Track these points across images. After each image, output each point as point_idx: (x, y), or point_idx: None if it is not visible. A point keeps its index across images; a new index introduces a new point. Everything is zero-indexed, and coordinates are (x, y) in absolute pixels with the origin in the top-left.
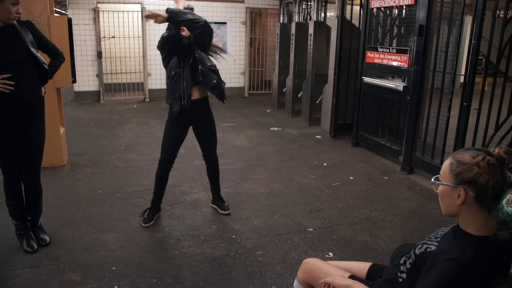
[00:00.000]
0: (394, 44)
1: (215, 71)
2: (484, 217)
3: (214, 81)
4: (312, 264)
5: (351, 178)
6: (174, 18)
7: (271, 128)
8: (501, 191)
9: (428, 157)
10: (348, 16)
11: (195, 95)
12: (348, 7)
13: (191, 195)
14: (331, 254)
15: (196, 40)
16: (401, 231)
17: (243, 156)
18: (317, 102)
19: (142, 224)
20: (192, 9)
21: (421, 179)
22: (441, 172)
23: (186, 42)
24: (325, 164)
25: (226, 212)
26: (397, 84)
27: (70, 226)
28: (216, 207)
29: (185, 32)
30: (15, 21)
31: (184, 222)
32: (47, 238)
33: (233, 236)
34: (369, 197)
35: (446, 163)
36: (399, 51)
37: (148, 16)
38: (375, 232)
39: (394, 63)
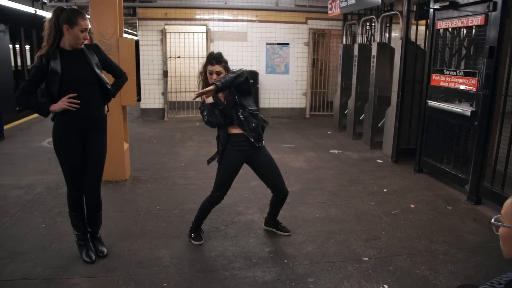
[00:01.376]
0: (461, 67)
1: (255, 115)
2: None
3: (253, 124)
4: None
5: (412, 206)
6: (223, 88)
7: (331, 151)
8: None
9: (497, 187)
10: (413, 37)
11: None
12: (413, 27)
13: (246, 216)
14: (386, 287)
15: (238, 89)
16: (464, 267)
17: (301, 178)
18: (379, 125)
19: (195, 242)
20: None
21: (489, 210)
22: (502, 211)
23: (225, 104)
24: (385, 190)
25: (287, 233)
26: (464, 109)
27: (127, 239)
28: (273, 229)
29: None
30: (83, 45)
31: (237, 243)
32: (105, 250)
33: (285, 261)
34: (431, 228)
35: (509, 202)
36: (467, 74)
37: (199, 95)
38: (436, 266)
39: (462, 87)
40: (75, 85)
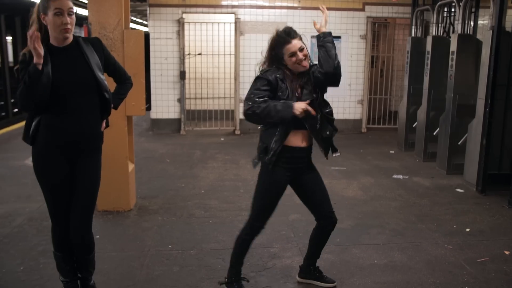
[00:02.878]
0: None
1: (331, 120)
2: None
3: (328, 132)
4: None
5: (507, 253)
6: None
7: (394, 176)
8: None
9: None
10: (508, 26)
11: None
12: (510, 13)
13: (283, 259)
14: None
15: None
16: None
17: (355, 211)
18: (459, 143)
19: None
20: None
21: None
22: None
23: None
24: (467, 229)
25: (333, 284)
26: None
27: None
28: (314, 281)
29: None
30: (80, 38)
31: None
32: None
33: None
34: None
35: None
36: None
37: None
38: None
39: None
40: (67, 91)
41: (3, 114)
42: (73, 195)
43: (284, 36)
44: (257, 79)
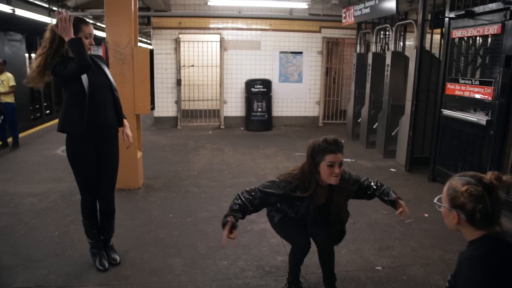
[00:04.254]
0: (477, 76)
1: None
2: (481, 234)
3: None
4: None
5: (426, 215)
6: None
7: (344, 159)
8: (492, 213)
9: None
10: (427, 46)
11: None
12: (428, 36)
13: (259, 224)
14: None
15: None
16: None
17: None
18: (392, 134)
19: None
20: None
21: (504, 220)
22: (442, 193)
23: None
24: None
25: None
26: (479, 118)
27: (140, 248)
28: None
29: None
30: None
31: (249, 252)
32: (118, 258)
33: None
34: (445, 237)
35: (446, 186)
36: (482, 83)
37: None
38: None
39: (477, 96)
40: (95, 90)
41: (38, 115)
42: (99, 174)
43: (333, 146)
44: (277, 184)
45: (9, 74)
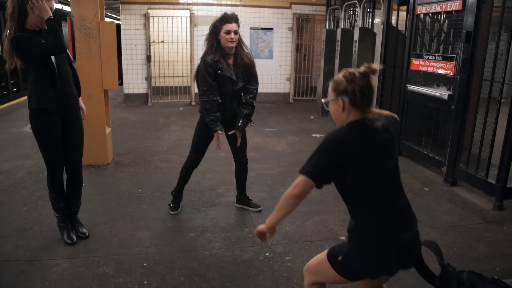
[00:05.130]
0: (440, 51)
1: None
2: (359, 115)
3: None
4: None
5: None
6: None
7: (313, 135)
8: (368, 95)
9: (472, 169)
10: (394, 23)
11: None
12: (395, 13)
13: (227, 197)
14: None
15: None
16: None
17: (282, 161)
18: None
19: (171, 212)
20: None
21: (464, 192)
22: (328, 95)
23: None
24: None
25: (258, 209)
26: (442, 93)
27: (109, 222)
28: (245, 207)
29: None
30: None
31: (217, 224)
32: (86, 231)
33: None
34: None
35: (331, 82)
36: (445, 59)
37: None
38: None
39: (440, 71)
40: (60, 63)
41: (5, 93)
42: (66, 144)
43: (228, 17)
44: (202, 68)
45: None
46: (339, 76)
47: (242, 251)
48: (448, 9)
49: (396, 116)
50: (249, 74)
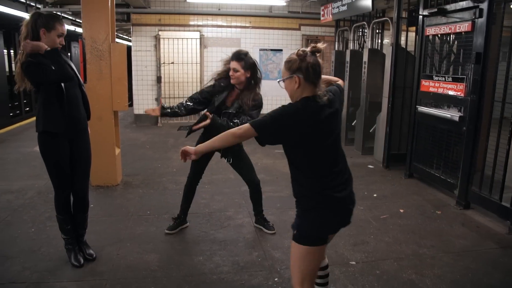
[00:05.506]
0: (450, 72)
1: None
2: (312, 90)
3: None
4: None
5: (402, 211)
6: (215, 125)
7: None
8: (319, 71)
9: (486, 192)
10: (403, 44)
11: None
12: (404, 33)
13: (236, 220)
14: None
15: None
16: (450, 270)
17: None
18: (370, 131)
19: (166, 230)
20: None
21: (477, 215)
22: (281, 75)
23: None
24: (375, 195)
25: (272, 231)
26: (453, 114)
27: (116, 244)
28: (261, 227)
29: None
30: None
31: (225, 247)
32: (93, 253)
33: (273, 265)
34: (419, 232)
35: (282, 67)
36: (455, 80)
37: (196, 128)
38: (422, 270)
39: (450, 92)
40: (69, 86)
41: (17, 112)
42: (73, 167)
43: (232, 54)
44: (209, 84)
45: None
46: (291, 56)
47: (251, 276)
48: (458, 30)
49: (341, 83)
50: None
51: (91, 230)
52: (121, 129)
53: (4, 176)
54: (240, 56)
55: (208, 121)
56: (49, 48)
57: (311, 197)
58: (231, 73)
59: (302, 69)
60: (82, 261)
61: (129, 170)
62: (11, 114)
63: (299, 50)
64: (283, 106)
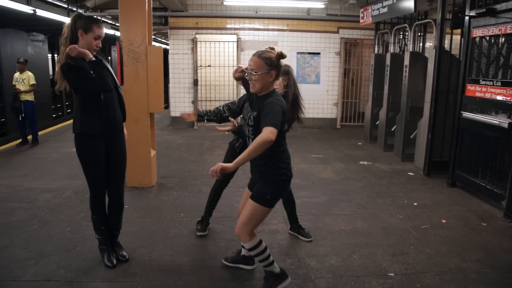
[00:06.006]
0: (499, 76)
1: None
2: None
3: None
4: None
5: (444, 221)
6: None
7: (361, 162)
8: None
9: None
10: (447, 47)
11: None
12: (448, 36)
13: (270, 226)
14: None
15: None
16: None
17: (328, 189)
18: (411, 136)
19: (197, 233)
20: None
21: None
22: (254, 66)
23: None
24: (415, 204)
25: (308, 239)
26: (501, 121)
27: (149, 246)
28: (297, 235)
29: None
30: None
31: None
32: (126, 255)
33: (308, 273)
34: (463, 245)
35: (257, 59)
36: (504, 84)
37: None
38: (466, 286)
39: (499, 97)
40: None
41: (60, 113)
42: (109, 168)
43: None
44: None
45: (29, 73)
46: (269, 53)
47: None
48: (509, 32)
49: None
50: None
51: (124, 231)
52: (158, 131)
53: (44, 175)
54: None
55: (231, 127)
56: (94, 59)
57: (283, 166)
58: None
59: (278, 67)
60: (115, 261)
61: (164, 172)
62: (53, 115)
63: (274, 48)
64: (277, 100)
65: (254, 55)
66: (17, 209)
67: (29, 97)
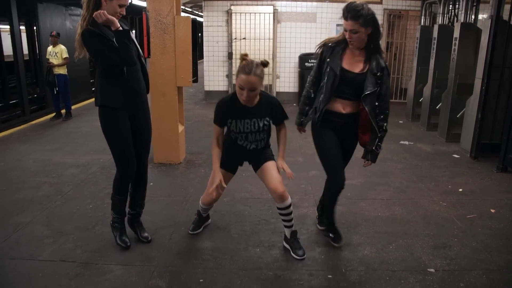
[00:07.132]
0: None
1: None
2: None
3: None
4: None
5: (493, 211)
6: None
7: (401, 142)
8: None
9: None
10: (505, 17)
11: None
12: (507, 6)
13: (300, 209)
14: None
15: None
16: None
17: (365, 170)
18: (458, 116)
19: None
20: None
21: None
22: (256, 85)
23: None
24: (460, 190)
25: (339, 244)
26: None
27: (171, 227)
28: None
29: None
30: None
31: None
32: (148, 236)
33: (338, 264)
34: None
35: (255, 78)
36: None
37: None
38: None
39: None
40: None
41: (93, 89)
42: (135, 142)
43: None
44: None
45: (62, 47)
46: (260, 68)
47: (311, 276)
48: None
49: None
50: None
51: (147, 210)
52: (191, 105)
53: (73, 149)
54: (358, 14)
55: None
56: (121, 28)
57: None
58: (347, 35)
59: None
60: (128, 242)
61: (194, 148)
62: (92, 89)
63: (249, 57)
64: (276, 99)
65: (248, 73)
66: (44, 184)
67: (62, 70)
